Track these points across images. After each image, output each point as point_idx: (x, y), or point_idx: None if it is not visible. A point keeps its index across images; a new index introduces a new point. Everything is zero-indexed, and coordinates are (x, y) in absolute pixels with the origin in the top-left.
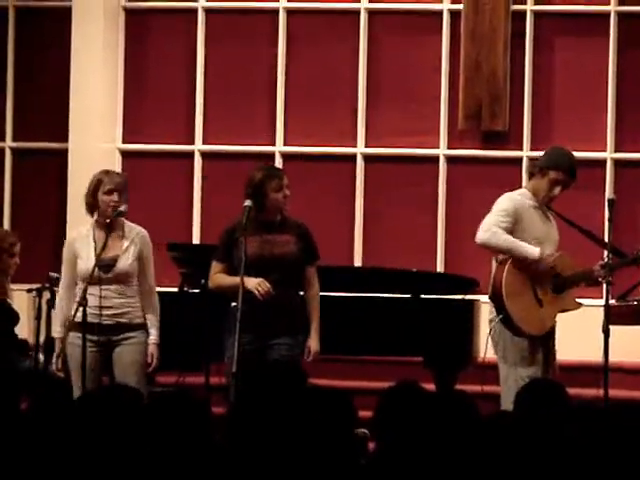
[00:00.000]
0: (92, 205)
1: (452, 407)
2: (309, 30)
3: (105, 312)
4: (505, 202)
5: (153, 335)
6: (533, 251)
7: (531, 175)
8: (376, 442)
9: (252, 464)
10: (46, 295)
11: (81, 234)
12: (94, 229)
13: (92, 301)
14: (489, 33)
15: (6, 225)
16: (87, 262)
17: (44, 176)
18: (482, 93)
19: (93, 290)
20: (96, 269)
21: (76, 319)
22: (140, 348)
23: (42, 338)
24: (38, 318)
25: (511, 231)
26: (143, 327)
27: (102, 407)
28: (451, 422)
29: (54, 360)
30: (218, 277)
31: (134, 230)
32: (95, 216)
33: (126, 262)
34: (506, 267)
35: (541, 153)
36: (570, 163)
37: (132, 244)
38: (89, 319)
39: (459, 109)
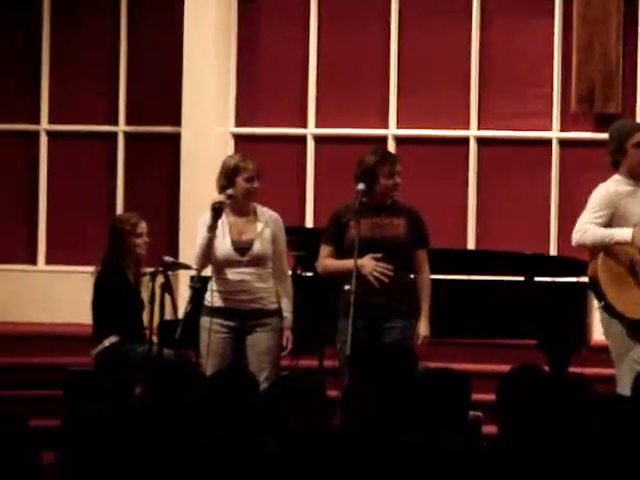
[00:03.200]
0: (225, 188)
1: (574, 389)
2: (421, 13)
3: (241, 297)
4: (597, 196)
5: (288, 319)
6: (625, 235)
7: (615, 163)
8: (498, 425)
9: (366, 447)
10: (160, 279)
11: (206, 219)
12: (227, 213)
13: (227, 286)
14: (601, 15)
15: (119, 210)
16: (223, 245)
17: (157, 160)
18: (595, 76)
19: (229, 274)
20: (233, 252)
21: (210, 304)
22: (275, 334)
23: (156, 322)
24: (152, 302)
25: (609, 223)
26: (277, 313)
27: (217, 392)
28: (573, 404)
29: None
30: (328, 261)
31: (266, 213)
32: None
33: (262, 245)
34: (600, 257)
35: None
36: (631, 122)
37: (266, 227)
38: (224, 304)
39: (572, 92)
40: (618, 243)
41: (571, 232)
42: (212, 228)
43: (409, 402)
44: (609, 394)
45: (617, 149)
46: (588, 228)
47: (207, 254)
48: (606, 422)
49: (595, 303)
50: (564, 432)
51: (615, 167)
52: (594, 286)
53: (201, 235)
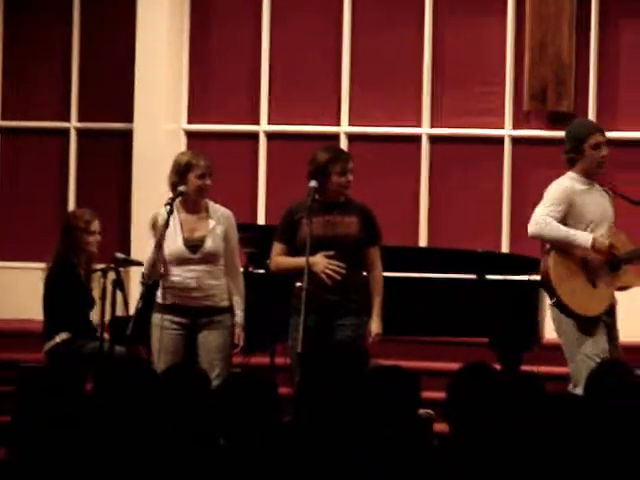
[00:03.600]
0: (176, 185)
1: (523, 388)
2: (374, 9)
3: (192, 294)
4: (555, 191)
5: (239, 317)
6: (585, 240)
7: (571, 161)
8: (449, 423)
9: (319, 444)
10: (111, 275)
11: (164, 215)
12: (178, 210)
13: (179, 282)
14: (554, 14)
15: (71, 206)
16: (175, 243)
17: (109, 157)
18: (547, 74)
19: (180, 271)
20: (184, 249)
21: (161, 301)
22: (226, 331)
23: (107, 319)
24: (103, 298)
25: (564, 219)
26: (229, 310)
27: (168, 389)
28: (523, 402)
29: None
30: (280, 259)
31: (219, 210)
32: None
33: (213, 242)
34: (552, 254)
35: (607, 134)
36: (590, 123)
37: (218, 224)
38: (176, 301)
39: (524, 90)
40: (577, 247)
41: (523, 230)
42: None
43: (359, 400)
44: (560, 392)
45: (574, 148)
46: (549, 222)
47: (155, 269)
48: (557, 420)
49: (547, 300)
50: (514, 430)
51: (570, 165)
52: (546, 283)
53: (150, 248)
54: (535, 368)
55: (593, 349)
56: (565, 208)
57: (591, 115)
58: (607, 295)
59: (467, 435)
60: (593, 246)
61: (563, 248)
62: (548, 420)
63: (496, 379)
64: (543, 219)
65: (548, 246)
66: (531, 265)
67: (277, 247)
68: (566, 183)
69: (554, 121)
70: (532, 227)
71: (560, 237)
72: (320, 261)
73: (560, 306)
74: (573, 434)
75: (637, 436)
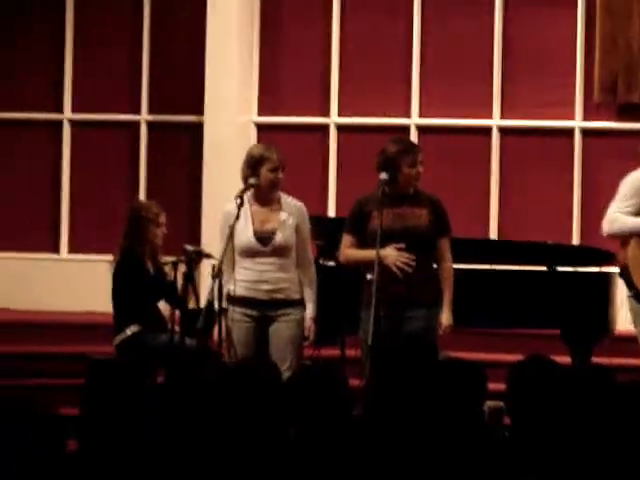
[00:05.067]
0: (248, 178)
1: (587, 380)
2: (444, 3)
3: (262, 287)
4: (627, 185)
5: (310, 309)
6: None
7: None
8: (510, 415)
9: (388, 437)
10: (182, 268)
11: (235, 208)
12: (250, 202)
13: (250, 275)
14: (624, 5)
15: (142, 198)
16: (245, 235)
17: (179, 149)
18: (618, 65)
19: (251, 264)
20: (255, 242)
21: (232, 293)
22: (296, 324)
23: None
24: (174, 290)
25: (639, 212)
26: (300, 303)
27: (239, 381)
28: (586, 395)
29: (216, 331)
30: (349, 251)
31: (291, 203)
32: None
33: (284, 235)
34: (631, 245)
35: None
36: None
37: (290, 217)
38: (246, 294)
39: (595, 82)
40: None
41: (594, 222)
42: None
43: (427, 393)
44: (631, 383)
45: None
46: (617, 217)
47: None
48: (627, 412)
49: (621, 292)
50: (579, 423)
51: None
52: (625, 274)
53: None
54: (608, 360)
55: None
56: (638, 201)
57: None
58: None
59: (529, 428)
60: None
61: None
62: (617, 412)
63: (556, 371)
64: (612, 217)
65: (625, 240)
66: (602, 257)
67: (347, 239)
68: (639, 175)
69: (625, 113)
70: (604, 226)
71: (629, 228)
72: (391, 253)
73: (638, 296)
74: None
75: None
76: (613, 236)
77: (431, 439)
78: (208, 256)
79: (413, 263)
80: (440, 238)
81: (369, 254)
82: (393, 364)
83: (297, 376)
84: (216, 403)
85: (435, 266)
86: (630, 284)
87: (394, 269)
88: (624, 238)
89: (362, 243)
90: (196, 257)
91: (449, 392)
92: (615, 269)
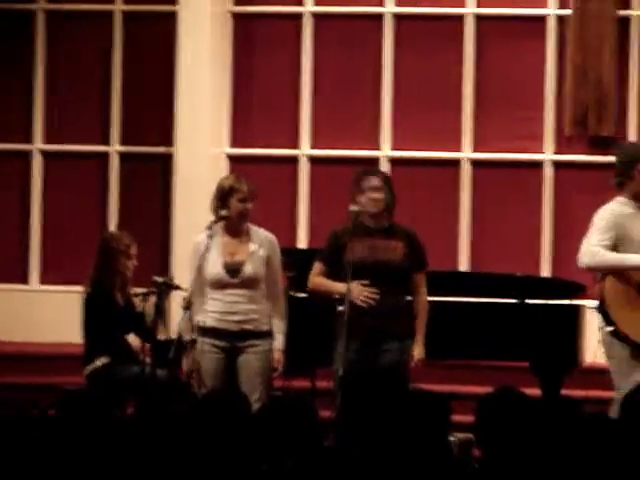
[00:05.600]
0: (218, 209)
1: (556, 412)
2: (415, 35)
3: (232, 318)
4: (603, 218)
5: (279, 341)
6: (636, 261)
7: (620, 185)
8: (479, 448)
9: (359, 467)
10: (152, 299)
11: (205, 239)
12: (220, 234)
13: (220, 306)
14: (595, 38)
15: (113, 230)
16: (215, 267)
17: (150, 181)
18: (588, 99)
19: (221, 295)
20: (224, 274)
21: (202, 324)
22: (265, 356)
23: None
24: (143, 322)
25: (615, 245)
26: (269, 334)
27: (208, 412)
28: (555, 427)
29: (184, 362)
30: (318, 279)
31: (261, 234)
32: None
33: (254, 266)
34: (607, 280)
35: None
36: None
37: (260, 248)
38: (216, 325)
39: (565, 114)
40: (629, 269)
41: (564, 254)
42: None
43: (394, 424)
44: (596, 414)
45: (624, 172)
46: (597, 251)
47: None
48: (592, 443)
49: (598, 325)
50: (549, 455)
51: (619, 188)
52: (603, 310)
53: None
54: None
55: None
56: (614, 234)
57: (631, 139)
58: None
59: (498, 460)
60: None
61: (618, 274)
62: (586, 444)
63: (525, 403)
64: (592, 250)
65: (600, 275)
66: (572, 289)
67: (317, 266)
68: (615, 208)
69: (595, 146)
70: (582, 259)
71: (611, 264)
72: (355, 289)
73: (618, 334)
74: (609, 457)
75: None
76: (592, 269)
77: (400, 471)
78: (177, 287)
79: (376, 296)
80: (415, 272)
81: (333, 286)
82: (363, 396)
83: (267, 407)
84: (186, 435)
85: (409, 298)
86: (609, 320)
87: (358, 302)
88: (599, 274)
89: (335, 274)
90: (165, 288)
91: (414, 423)
92: (584, 302)
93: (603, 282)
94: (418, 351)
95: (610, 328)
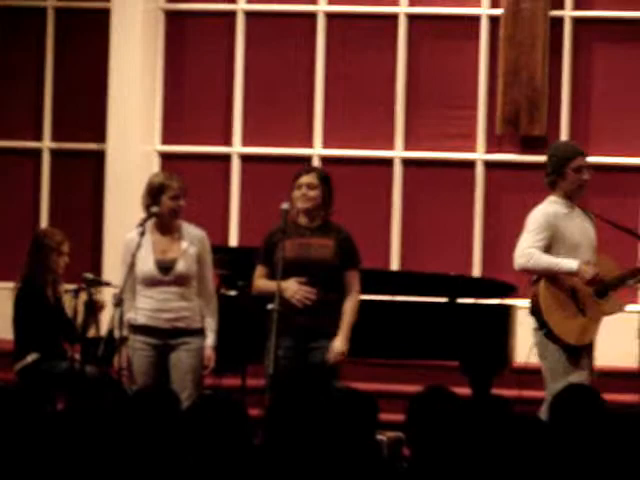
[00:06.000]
0: (149, 206)
1: (485, 411)
2: (348, 34)
3: (164, 315)
4: (537, 219)
5: (211, 339)
6: (570, 267)
7: (553, 184)
8: (409, 446)
9: (287, 465)
10: (83, 296)
11: (137, 236)
12: (151, 231)
13: (151, 304)
14: (528, 38)
15: (44, 226)
16: (146, 264)
17: (82, 177)
18: (520, 98)
19: (152, 293)
20: (156, 271)
21: (134, 322)
22: (197, 353)
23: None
24: (74, 319)
25: (549, 245)
26: (201, 332)
27: (138, 409)
28: (484, 426)
29: (117, 359)
30: (258, 282)
31: (192, 232)
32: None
33: (185, 264)
34: (541, 282)
35: None
36: (573, 145)
37: (191, 245)
38: (148, 322)
39: (497, 114)
40: (563, 273)
41: (495, 254)
42: None
43: (321, 422)
44: (524, 415)
45: (556, 171)
46: (533, 253)
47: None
48: (520, 444)
49: (531, 326)
50: (478, 454)
51: (551, 188)
52: (536, 313)
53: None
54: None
55: (578, 379)
56: (548, 235)
57: (563, 139)
58: (595, 323)
59: (428, 459)
60: (578, 272)
61: (552, 277)
62: (512, 443)
63: (455, 402)
64: (527, 252)
65: (535, 276)
66: (503, 289)
67: (258, 269)
68: (548, 209)
69: (527, 145)
70: (517, 260)
71: (545, 267)
72: (290, 286)
73: (551, 336)
74: (537, 458)
75: (602, 460)
76: (527, 271)
77: (328, 469)
78: (107, 284)
79: (313, 297)
80: (347, 271)
81: (273, 285)
82: (292, 394)
83: (196, 405)
84: (115, 431)
85: (341, 296)
86: (542, 323)
87: (294, 301)
88: (535, 278)
89: (273, 273)
90: (95, 285)
91: (341, 422)
92: (515, 301)
93: (537, 284)
94: (338, 344)
95: (544, 330)
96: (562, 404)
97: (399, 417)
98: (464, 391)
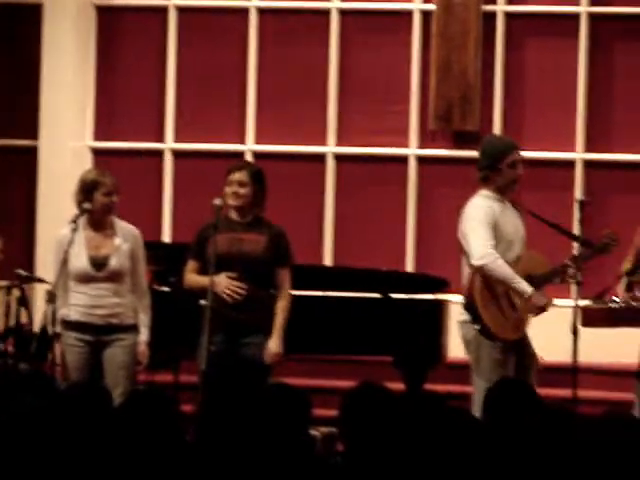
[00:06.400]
0: (82, 203)
1: (417, 406)
2: (280, 29)
3: (97, 312)
4: (479, 214)
5: (144, 335)
6: (525, 290)
7: (486, 178)
8: (343, 442)
9: (220, 462)
10: (16, 292)
11: (69, 233)
12: (84, 228)
13: (85, 300)
14: (460, 33)
15: None
16: (79, 260)
17: (14, 173)
18: (453, 93)
19: (86, 289)
20: (89, 267)
21: (67, 318)
22: (130, 349)
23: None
24: (7, 315)
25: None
26: (134, 328)
27: (70, 405)
28: (418, 421)
29: (50, 356)
30: (190, 276)
31: (125, 228)
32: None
33: (118, 260)
34: (476, 278)
35: None
36: (507, 140)
37: (124, 242)
38: (81, 318)
39: (430, 109)
40: (513, 290)
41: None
42: None
43: (254, 418)
44: (458, 410)
45: (490, 165)
46: (496, 259)
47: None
48: (454, 438)
49: (459, 319)
50: (412, 449)
51: (484, 182)
52: (471, 307)
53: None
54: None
55: (505, 374)
56: (491, 227)
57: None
58: (526, 318)
59: (361, 454)
60: (530, 299)
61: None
62: (446, 438)
63: (389, 398)
64: (489, 253)
65: (469, 270)
66: (436, 284)
67: (189, 264)
68: (486, 204)
69: (459, 140)
70: (479, 260)
71: (502, 278)
72: (221, 282)
73: (484, 331)
74: (470, 453)
75: (536, 456)
76: (483, 271)
77: (261, 465)
78: (40, 281)
79: (243, 292)
80: (279, 267)
81: (204, 280)
82: (225, 390)
83: (128, 401)
84: (47, 427)
85: (274, 292)
86: (476, 317)
87: (224, 296)
88: (471, 271)
89: (205, 268)
90: (28, 282)
91: (274, 418)
92: (448, 297)
93: (472, 280)
94: (274, 345)
95: (477, 326)
96: (496, 398)
97: (333, 413)
98: (398, 387)
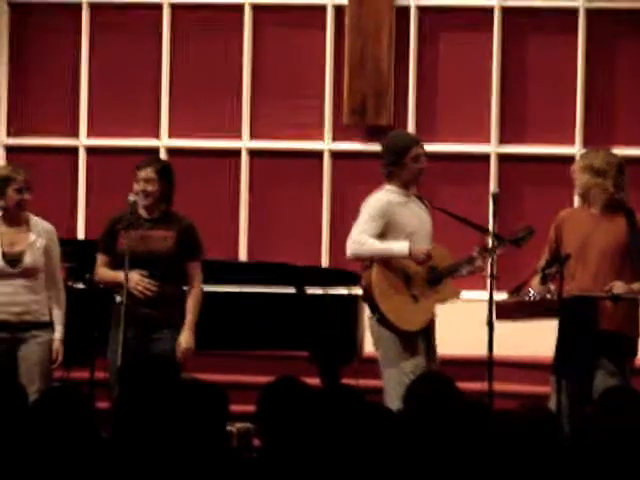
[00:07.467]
0: None
1: (334, 401)
2: (193, 24)
3: (12, 309)
4: (371, 206)
5: (59, 331)
6: (402, 249)
7: (390, 174)
8: (259, 437)
9: (135, 459)
10: None
11: None
12: None
13: None
14: (373, 28)
15: None
16: None
17: None
18: (366, 88)
19: (0, 286)
20: (3, 264)
21: None
22: (45, 347)
23: None
24: None
25: (384, 233)
26: (49, 325)
27: None
28: (333, 416)
29: None
30: (101, 271)
31: (40, 225)
32: None
33: (33, 256)
34: (374, 268)
35: (426, 147)
36: (409, 135)
37: (38, 238)
38: None
39: (344, 103)
40: (394, 257)
41: (342, 244)
42: None
43: (169, 414)
44: (377, 404)
45: (394, 161)
46: (365, 240)
47: None
48: (373, 433)
49: (367, 314)
50: (329, 444)
51: (388, 177)
52: (369, 298)
53: None
54: (354, 381)
55: (412, 365)
56: (382, 222)
57: (410, 128)
58: (428, 309)
59: (278, 449)
60: (410, 254)
61: (385, 263)
62: (363, 433)
63: (306, 392)
64: (357, 238)
65: (368, 262)
66: (350, 279)
67: (100, 258)
68: (383, 197)
69: (373, 135)
70: (351, 247)
71: (377, 252)
72: (133, 278)
73: (383, 322)
74: (390, 447)
75: (457, 448)
76: (359, 258)
77: (176, 461)
78: None
79: (154, 288)
80: (188, 262)
81: (115, 275)
82: (139, 386)
83: (43, 398)
84: None
85: (185, 287)
86: (374, 308)
87: (135, 292)
88: (367, 261)
89: (114, 262)
90: None
91: (190, 414)
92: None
93: (370, 270)
94: (184, 340)
95: (376, 316)
96: (416, 393)
97: (250, 408)
98: (314, 381)
